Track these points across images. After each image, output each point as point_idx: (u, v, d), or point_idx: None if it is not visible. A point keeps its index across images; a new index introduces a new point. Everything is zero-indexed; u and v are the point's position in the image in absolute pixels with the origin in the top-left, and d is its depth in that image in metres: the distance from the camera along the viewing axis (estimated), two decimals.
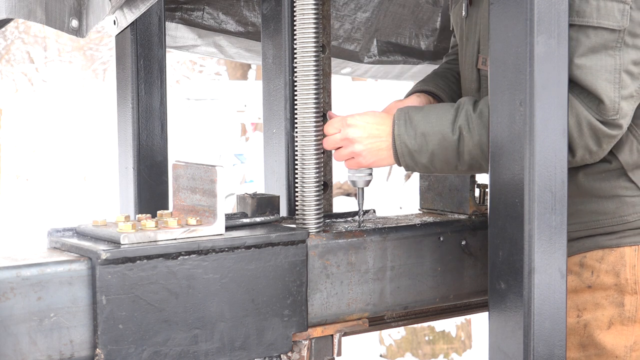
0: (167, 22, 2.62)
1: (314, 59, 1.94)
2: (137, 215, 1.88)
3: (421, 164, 1.93)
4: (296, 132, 1.97)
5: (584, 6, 1.80)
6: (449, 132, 1.89)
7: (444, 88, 2.26)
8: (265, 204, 2.01)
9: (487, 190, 2.13)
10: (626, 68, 1.82)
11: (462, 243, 2.11)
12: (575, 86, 1.82)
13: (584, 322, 1.98)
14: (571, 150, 1.84)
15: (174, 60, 22.83)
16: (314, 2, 1.91)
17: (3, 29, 2.23)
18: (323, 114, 2.29)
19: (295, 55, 1.96)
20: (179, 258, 1.72)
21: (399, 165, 1.95)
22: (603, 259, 1.97)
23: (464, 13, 2.12)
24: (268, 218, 1.98)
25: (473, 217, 2.17)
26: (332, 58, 2.71)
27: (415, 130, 1.91)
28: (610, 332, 1.96)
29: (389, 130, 1.94)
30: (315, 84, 1.94)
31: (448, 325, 5.71)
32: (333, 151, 2.02)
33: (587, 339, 1.97)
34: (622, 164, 1.94)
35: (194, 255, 1.74)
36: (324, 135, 1.98)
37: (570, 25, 1.79)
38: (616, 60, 1.81)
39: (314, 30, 1.92)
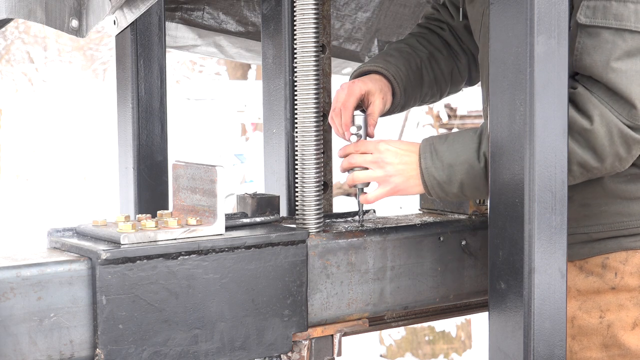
0: (167, 22, 2.62)
1: (314, 59, 1.94)
2: (137, 215, 1.88)
3: (452, 193, 1.92)
4: (296, 132, 1.97)
5: (622, 9, 1.79)
6: (475, 161, 1.88)
7: (396, 68, 2.21)
8: (265, 204, 2.01)
9: None
10: None
11: (462, 243, 2.11)
12: (606, 91, 1.81)
13: (607, 322, 1.98)
14: (602, 158, 1.83)
15: (174, 60, 22.84)
16: (314, 2, 1.91)
17: (3, 29, 2.23)
18: (323, 114, 2.29)
19: (295, 55, 1.96)
20: (179, 258, 1.72)
21: (430, 196, 1.95)
22: (627, 260, 1.97)
23: (489, 11, 2.09)
24: (268, 218, 1.98)
25: (473, 217, 2.17)
26: (333, 58, 2.71)
27: (442, 161, 1.90)
28: (634, 332, 1.96)
29: (417, 160, 1.93)
30: (315, 84, 1.94)
31: (448, 325, 5.71)
32: (348, 173, 1.99)
33: (611, 339, 1.97)
34: None
35: (194, 255, 1.74)
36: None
37: (607, 28, 1.79)
38: None
39: (314, 30, 1.92)
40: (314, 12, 1.92)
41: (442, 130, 14.91)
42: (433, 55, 2.32)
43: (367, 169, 1.96)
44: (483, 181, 1.88)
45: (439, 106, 14.38)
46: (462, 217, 2.17)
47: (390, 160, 1.94)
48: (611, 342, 1.97)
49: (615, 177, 1.95)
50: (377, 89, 2.12)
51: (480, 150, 1.87)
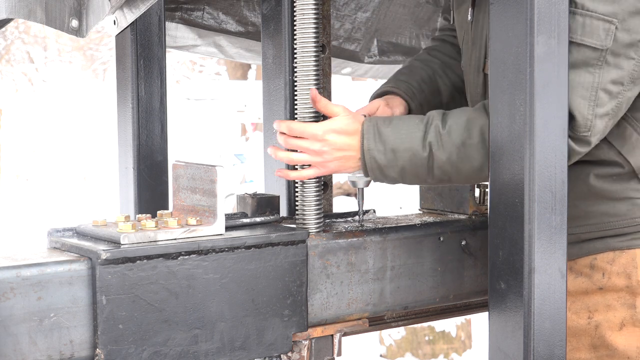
0: (167, 22, 2.62)
1: (314, 59, 1.94)
2: (137, 215, 1.88)
3: (391, 177, 1.92)
4: None
5: (569, 21, 1.78)
6: (419, 149, 1.87)
7: (407, 85, 2.23)
8: (265, 204, 2.01)
9: (487, 190, 2.13)
10: (604, 87, 1.80)
11: (462, 243, 2.11)
12: None
13: (595, 323, 1.98)
14: None
15: (174, 60, 22.83)
16: (314, 2, 1.91)
17: (3, 29, 2.23)
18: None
19: (295, 55, 1.96)
20: (179, 258, 1.72)
21: (366, 176, 1.94)
22: (614, 261, 1.97)
23: (469, 17, 2.09)
24: (268, 218, 1.98)
25: (473, 217, 2.17)
26: (332, 58, 2.71)
27: (385, 145, 1.89)
28: (622, 333, 1.96)
29: (358, 142, 1.91)
30: (315, 84, 1.94)
31: (448, 325, 5.71)
32: (279, 153, 1.96)
33: (599, 340, 1.98)
34: (634, 167, 1.93)
35: (194, 255, 1.74)
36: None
37: None
38: (595, 77, 1.79)
39: (314, 30, 1.92)
40: (314, 12, 1.92)
41: None
42: (446, 64, 2.34)
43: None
44: (424, 170, 1.89)
45: None
46: (462, 217, 2.17)
47: (328, 149, 1.91)
48: (599, 343, 1.97)
49: (601, 177, 1.95)
50: (388, 110, 2.16)
51: (426, 140, 1.87)
